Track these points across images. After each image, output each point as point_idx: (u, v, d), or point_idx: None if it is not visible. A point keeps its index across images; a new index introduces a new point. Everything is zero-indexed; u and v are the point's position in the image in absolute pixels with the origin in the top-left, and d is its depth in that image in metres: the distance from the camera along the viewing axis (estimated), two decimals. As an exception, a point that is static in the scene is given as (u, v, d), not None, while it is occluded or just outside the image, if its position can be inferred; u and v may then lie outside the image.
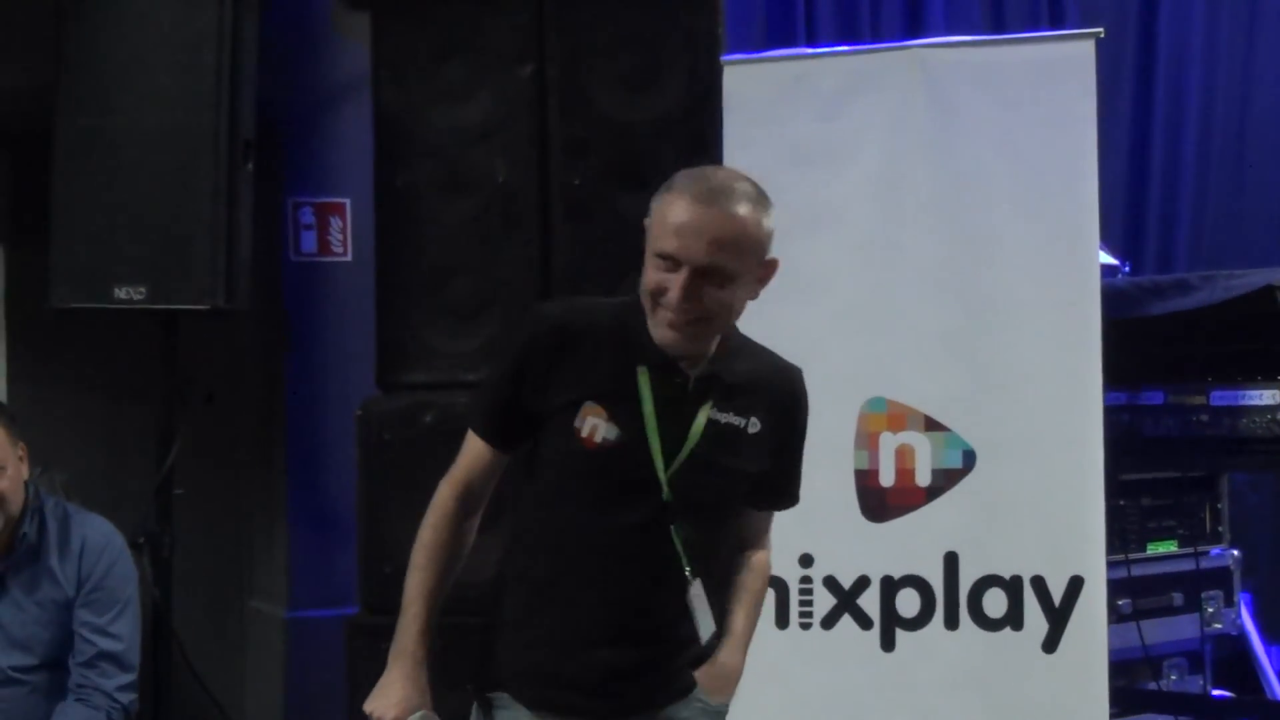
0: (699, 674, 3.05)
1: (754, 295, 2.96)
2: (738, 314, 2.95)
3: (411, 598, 3.02)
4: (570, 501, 3.01)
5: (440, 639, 3.01)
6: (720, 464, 2.97)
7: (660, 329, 2.88)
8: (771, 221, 2.93)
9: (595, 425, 2.93)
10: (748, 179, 2.95)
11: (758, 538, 3.21)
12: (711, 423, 2.95)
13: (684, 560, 2.96)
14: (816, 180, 4.17)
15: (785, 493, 3.18)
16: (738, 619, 3.13)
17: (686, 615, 3.01)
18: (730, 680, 3.11)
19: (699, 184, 2.88)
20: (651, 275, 2.86)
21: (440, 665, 3.02)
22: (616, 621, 2.98)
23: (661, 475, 2.92)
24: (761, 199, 2.92)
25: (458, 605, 3.07)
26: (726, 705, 3.10)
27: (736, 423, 2.98)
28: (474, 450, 3.07)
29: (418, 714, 2.94)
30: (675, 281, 2.83)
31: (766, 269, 2.95)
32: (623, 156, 4.42)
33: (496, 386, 3.04)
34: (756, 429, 2.99)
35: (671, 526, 2.94)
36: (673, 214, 2.84)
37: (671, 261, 2.83)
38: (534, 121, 4.47)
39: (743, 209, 2.87)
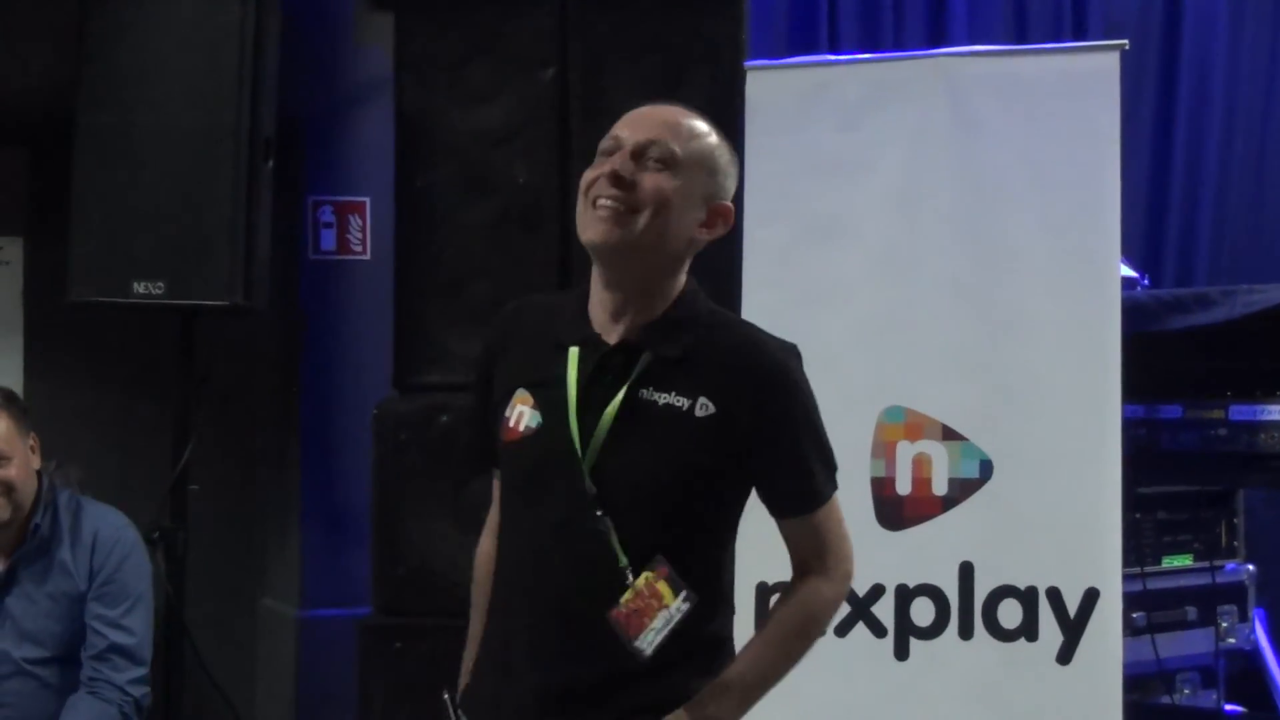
0: None
1: (698, 233, 2.71)
2: (675, 240, 2.68)
3: (469, 634, 2.92)
4: (508, 502, 2.81)
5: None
6: (650, 451, 2.64)
7: (585, 226, 2.66)
8: (730, 160, 2.78)
9: (521, 414, 2.71)
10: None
11: (808, 558, 2.79)
12: (639, 402, 2.64)
13: (619, 556, 2.60)
14: (837, 189, 4.17)
15: (795, 493, 2.75)
16: (739, 660, 2.74)
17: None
18: None
19: None
20: (589, 173, 2.68)
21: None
22: (548, 637, 2.67)
23: (582, 463, 2.63)
24: (724, 139, 2.79)
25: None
26: None
27: (678, 404, 2.63)
28: (493, 490, 2.92)
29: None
30: (610, 161, 2.66)
31: (717, 209, 2.73)
32: (644, 161, 4.41)
33: (470, 413, 2.91)
34: (708, 412, 2.63)
35: (600, 519, 2.61)
36: (622, 118, 2.75)
37: (612, 150, 2.69)
38: (555, 125, 4.47)
39: (700, 119, 2.76)
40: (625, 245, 2.64)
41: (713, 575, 2.73)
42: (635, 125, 2.72)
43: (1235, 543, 5.31)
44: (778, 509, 2.78)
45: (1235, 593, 5.26)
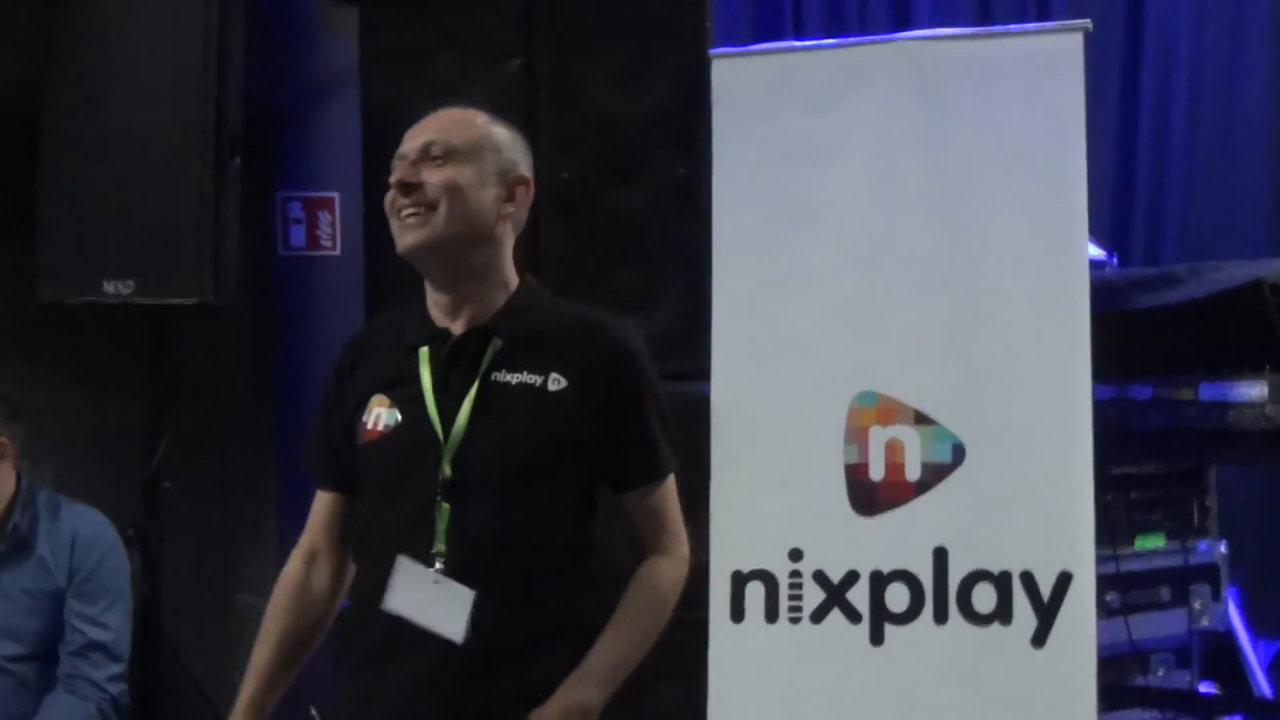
0: (534, 715, 2.70)
1: (507, 212, 2.87)
2: (481, 221, 2.83)
3: (252, 662, 2.95)
4: (372, 505, 2.88)
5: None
6: (509, 429, 2.76)
7: (397, 239, 2.84)
8: (513, 139, 2.93)
9: (378, 415, 2.83)
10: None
11: (650, 536, 2.93)
12: (494, 385, 2.77)
13: (438, 538, 2.70)
14: (806, 175, 4.16)
15: (642, 463, 2.91)
16: (599, 644, 2.80)
17: (522, 624, 2.74)
18: None
19: None
20: (387, 196, 2.86)
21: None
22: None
23: (444, 450, 2.74)
24: (500, 120, 2.92)
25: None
26: None
27: (531, 381, 2.78)
28: (316, 504, 3.00)
29: None
30: (396, 174, 2.83)
31: (516, 184, 2.89)
32: (612, 151, 4.41)
33: (314, 424, 3.00)
34: (560, 386, 2.78)
35: (439, 503, 2.71)
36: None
37: (401, 167, 2.83)
38: (523, 116, 4.45)
39: (475, 111, 2.90)
40: (436, 242, 2.80)
41: (575, 558, 2.85)
42: (410, 136, 2.87)
43: (1207, 522, 5.33)
44: (625, 480, 2.90)
45: (1208, 572, 5.28)
